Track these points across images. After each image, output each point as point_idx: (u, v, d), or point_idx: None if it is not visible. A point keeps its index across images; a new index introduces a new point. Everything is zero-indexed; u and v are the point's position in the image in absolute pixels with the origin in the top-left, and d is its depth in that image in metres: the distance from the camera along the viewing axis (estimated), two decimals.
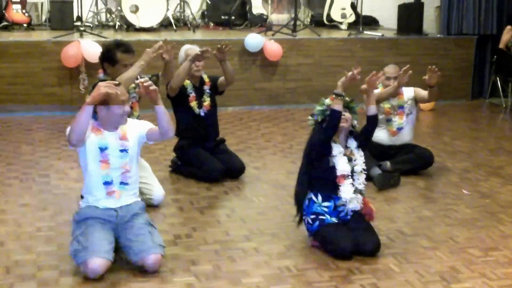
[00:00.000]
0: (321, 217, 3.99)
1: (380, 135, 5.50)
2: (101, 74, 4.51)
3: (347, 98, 4.01)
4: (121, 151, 3.68)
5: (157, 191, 4.67)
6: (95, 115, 3.63)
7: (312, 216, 4.01)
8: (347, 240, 3.90)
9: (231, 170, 5.32)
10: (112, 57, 4.42)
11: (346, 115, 3.99)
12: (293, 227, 4.24)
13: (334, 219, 4.00)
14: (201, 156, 5.27)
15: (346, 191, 3.99)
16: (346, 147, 4.07)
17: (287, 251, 4.02)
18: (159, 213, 4.57)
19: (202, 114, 5.32)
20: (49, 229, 4.23)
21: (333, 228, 3.96)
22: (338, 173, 3.98)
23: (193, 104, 5.30)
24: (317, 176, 4.03)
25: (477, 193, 5.17)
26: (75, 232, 3.66)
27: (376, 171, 5.23)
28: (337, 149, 4.01)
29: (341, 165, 3.99)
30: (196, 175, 5.28)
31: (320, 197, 4.02)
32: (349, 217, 4.02)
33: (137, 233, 3.65)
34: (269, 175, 5.52)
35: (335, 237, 3.91)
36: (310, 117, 4.08)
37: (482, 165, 5.90)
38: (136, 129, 3.76)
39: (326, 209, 4.01)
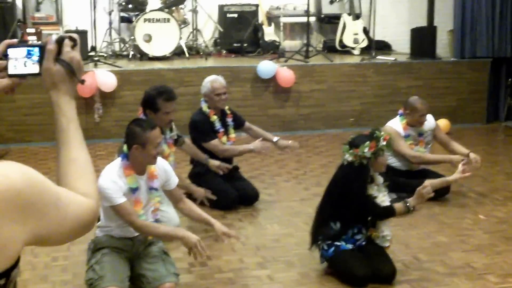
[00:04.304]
0: (337, 243, 3.97)
1: (397, 160, 5.46)
2: (141, 116, 4.42)
3: (384, 143, 3.89)
4: (151, 189, 3.65)
5: (173, 219, 4.66)
6: (125, 155, 3.60)
7: (328, 242, 3.98)
8: (363, 266, 3.87)
9: (244, 197, 5.33)
10: (154, 105, 4.38)
11: (383, 159, 3.94)
12: (308, 255, 4.21)
13: (349, 246, 3.97)
14: (216, 183, 5.27)
15: (385, 225, 3.96)
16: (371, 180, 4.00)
17: (301, 279, 3.99)
18: (173, 240, 4.56)
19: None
20: (64, 259, 4.25)
21: (349, 254, 3.93)
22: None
23: (224, 139, 5.33)
24: (344, 208, 3.95)
25: (494, 218, 5.11)
26: (91, 261, 3.65)
27: (392, 195, 5.19)
28: (372, 188, 3.95)
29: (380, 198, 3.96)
30: (210, 202, 5.28)
31: (338, 225, 3.99)
32: (364, 243, 4.00)
33: (151, 261, 3.64)
34: (283, 202, 5.50)
35: (351, 263, 3.88)
36: (348, 152, 3.90)
37: (499, 190, 5.84)
38: (165, 175, 3.71)
39: (343, 236, 3.98)
